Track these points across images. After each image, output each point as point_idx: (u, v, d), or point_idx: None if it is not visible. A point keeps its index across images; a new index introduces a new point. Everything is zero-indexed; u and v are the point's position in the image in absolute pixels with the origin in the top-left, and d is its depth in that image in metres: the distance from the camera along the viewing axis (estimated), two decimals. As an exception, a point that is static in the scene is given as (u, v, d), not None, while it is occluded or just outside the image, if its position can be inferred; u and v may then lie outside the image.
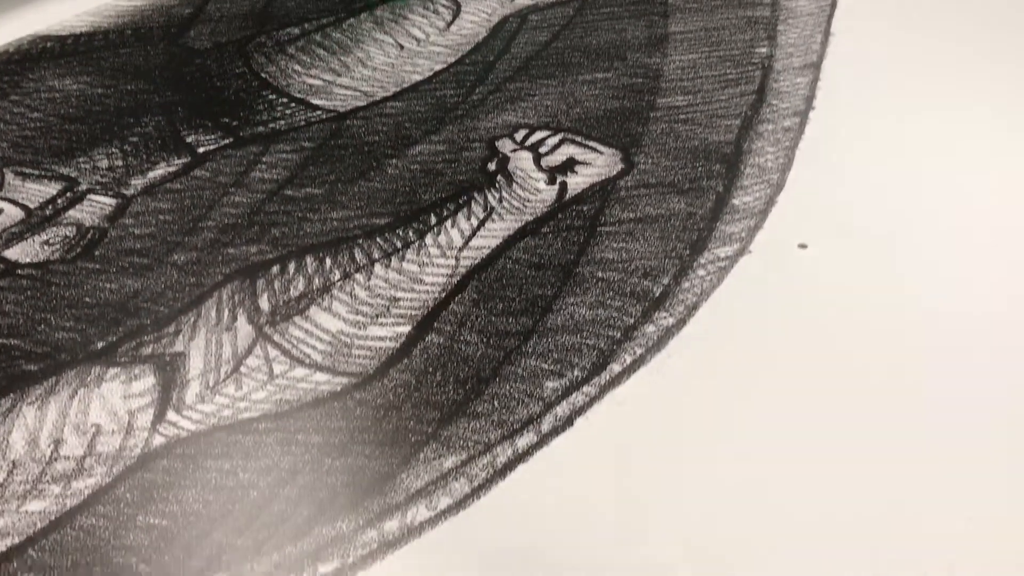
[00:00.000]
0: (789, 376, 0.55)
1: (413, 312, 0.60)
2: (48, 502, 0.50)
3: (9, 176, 0.72)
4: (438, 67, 0.82)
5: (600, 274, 0.62)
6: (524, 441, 0.53)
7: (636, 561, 0.47)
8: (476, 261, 0.64)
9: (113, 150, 0.75)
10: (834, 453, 0.51)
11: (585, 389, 0.55)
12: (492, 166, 0.72)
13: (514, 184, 0.69)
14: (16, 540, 0.48)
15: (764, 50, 0.81)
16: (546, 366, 0.57)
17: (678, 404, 0.54)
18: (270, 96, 0.79)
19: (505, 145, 0.73)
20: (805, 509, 0.48)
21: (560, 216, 0.67)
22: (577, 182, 0.70)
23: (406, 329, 0.59)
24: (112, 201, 0.69)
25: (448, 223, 0.67)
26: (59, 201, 0.70)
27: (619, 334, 0.58)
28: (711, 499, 0.49)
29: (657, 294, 0.61)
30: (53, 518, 0.49)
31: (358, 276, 0.63)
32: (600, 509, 0.49)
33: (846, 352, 0.56)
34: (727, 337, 0.57)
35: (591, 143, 0.73)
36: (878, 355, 0.55)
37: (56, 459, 0.52)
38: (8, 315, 0.61)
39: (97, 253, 0.65)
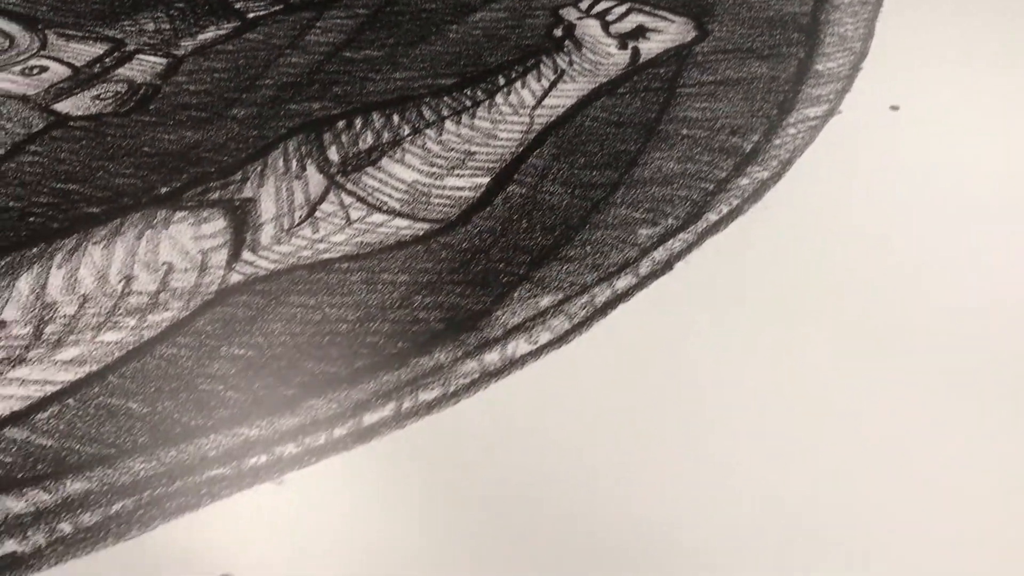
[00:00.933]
0: (890, 225, 0.53)
1: (490, 165, 0.58)
2: (124, 333, 0.47)
3: (52, 37, 0.68)
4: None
5: (685, 131, 0.60)
6: (623, 283, 0.50)
7: (736, 396, 0.45)
8: (552, 119, 0.61)
9: (159, 15, 0.71)
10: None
11: (682, 236, 0.53)
12: (558, 32, 0.69)
13: (584, 49, 0.67)
14: (94, 368, 0.46)
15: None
16: (637, 215, 0.55)
17: (777, 253, 0.52)
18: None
19: (570, 13, 0.70)
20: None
21: (636, 78, 0.64)
22: (650, 47, 0.67)
23: (485, 180, 0.57)
24: (163, 60, 0.66)
25: (518, 84, 0.64)
26: (107, 60, 0.66)
27: (712, 186, 0.56)
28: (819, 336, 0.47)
29: (748, 150, 0.58)
30: (131, 348, 0.47)
31: (429, 131, 0.60)
32: (698, 349, 0.47)
33: (939, 207, 0.54)
34: (823, 192, 0.55)
35: (660, 12, 0.70)
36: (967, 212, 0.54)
37: (128, 294, 0.49)
38: (64, 162, 0.58)
39: (152, 107, 0.62)
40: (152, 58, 0.67)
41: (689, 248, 0.53)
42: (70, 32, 0.69)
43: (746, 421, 0.43)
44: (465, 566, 0.38)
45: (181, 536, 0.39)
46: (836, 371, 0.45)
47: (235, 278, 0.51)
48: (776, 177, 0.57)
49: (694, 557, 0.38)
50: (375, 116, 0.62)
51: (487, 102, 0.63)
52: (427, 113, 0.62)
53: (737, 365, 0.46)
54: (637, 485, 0.41)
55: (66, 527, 0.39)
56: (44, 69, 0.66)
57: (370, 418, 0.44)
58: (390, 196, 0.56)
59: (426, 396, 0.45)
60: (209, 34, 0.70)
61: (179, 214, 0.54)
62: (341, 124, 0.61)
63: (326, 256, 0.52)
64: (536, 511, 0.40)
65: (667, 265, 0.52)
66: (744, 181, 0.57)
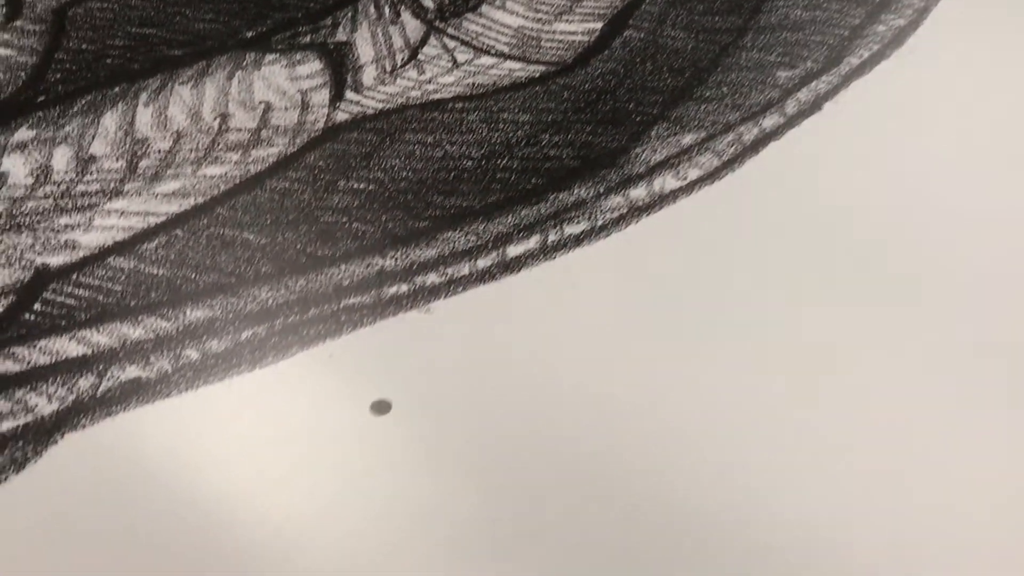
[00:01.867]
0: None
1: (601, 11, 0.53)
2: (227, 167, 0.43)
3: None
4: None
5: (809, -20, 0.55)
6: (769, 122, 0.46)
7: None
8: (663, -32, 0.56)
9: None
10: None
11: (825, 79, 0.49)
12: None
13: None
14: (199, 200, 0.41)
15: None
16: (772, 58, 0.50)
17: (924, 95, 0.48)
18: None
19: None
20: None
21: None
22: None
23: (598, 25, 0.52)
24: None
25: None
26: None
27: (847, 32, 0.52)
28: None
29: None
30: (237, 181, 0.42)
31: (530, -20, 0.55)
32: (863, 182, 0.43)
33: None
34: (965, 39, 0.51)
35: None
36: None
37: (226, 131, 0.45)
38: (136, 8, 0.53)
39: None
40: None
41: (835, 90, 0.48)
42: None
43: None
44: (632, 387, 0.34)
45: (321, 362, 0.35)
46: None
47: (341, 116, 0.46)
48: (914, 25, 0.53)
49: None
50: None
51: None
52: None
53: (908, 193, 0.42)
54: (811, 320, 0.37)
55: (192, 353, 0.35)
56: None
57: (514, 250, 0.40)
58: (496, 40, 0.51)
59: (572, 230, 0.41)
60: None
61: (269, 56, 0.50)
62: (434, -29, 0.56)
63: (436, 96, 0.48)
64: (696, 334, 0.36)
65: (815, 106, 0.47)
66: (881, 28, 0.52)
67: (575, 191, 0.43)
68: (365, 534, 0.31)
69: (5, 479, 0.31)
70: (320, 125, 0.46)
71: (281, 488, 0.31)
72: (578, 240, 0.40)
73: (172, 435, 0.33)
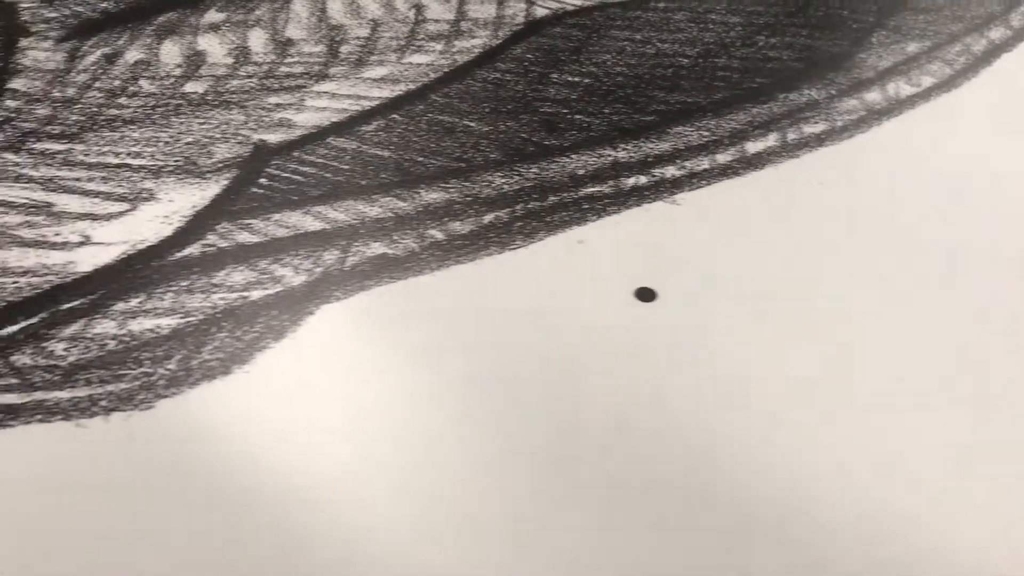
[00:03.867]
0: None
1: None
2: (433, 56, 0.41)
3: None
4: None
5: None
6: (997, 34, 0.44)
7: None
8: None
9: None
10: None
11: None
12: None
13: None
14: (410, 86, 0.40)
15: None
16: (985, -29, 0.48)
17: None
18: None
19: None
20: None
21: None
22: None
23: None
24: None
25: None
26: None
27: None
28: None
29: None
30: (447, 70, 0.41)
31: None
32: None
33: None
34: None
35: None
36: None
37: (423, 21, 0.43)
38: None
39: None
40: None
41: (1060, 3, 0.46)
42: None
43: None
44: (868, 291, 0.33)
45: (571, 248, 0.33)
46: None
47: (540, 12, 0.44)
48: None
49: None
50: None
51: None
52: None
53: None
54: None
55: (437, 234, 0.34)
56: None
57: (753, 147, 0.38)
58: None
59: (812, 129, 0.39)
60: None
61: (454, -49, 0.48)
62: None
63: (636, -4, 0.46)
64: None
65: (1041, 18, 0.45)
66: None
67: (804, 92, 0.41)
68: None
69: (264, 347, 0.30)
70: (520, 19, 0.44)
71: (552, 365, 0.30)
72: (820, 139, 0.39)
73: (427, 312, 0.31)
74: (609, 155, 0.38)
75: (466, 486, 0.27)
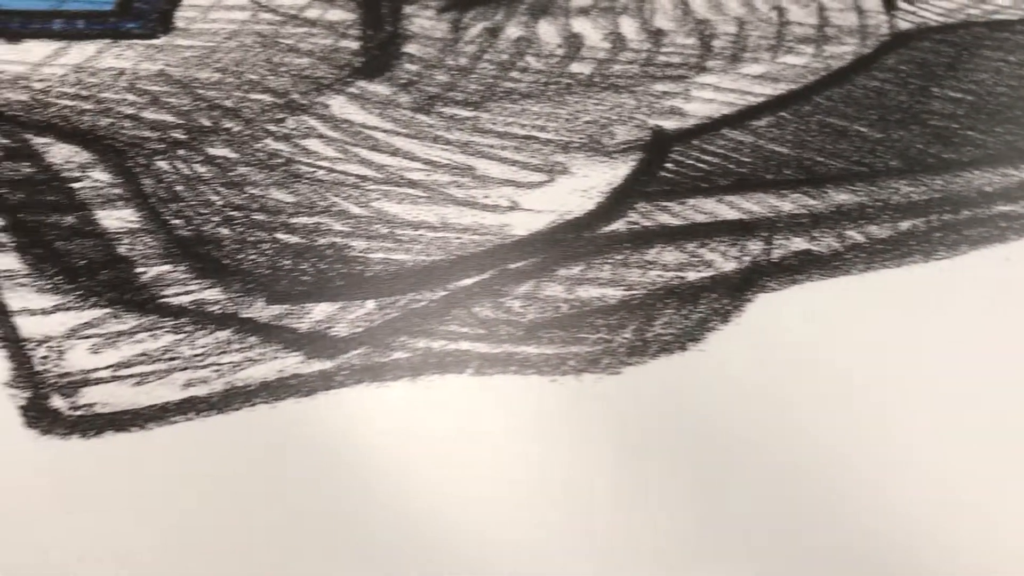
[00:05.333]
0: None
1: None
2: (806, 59, 0.42)
3: None
4: None
5: None
6: None
7: None
8: None
9: None
10: None
11: None
12: None
13: None
14: (790, 86, 0.40)
15: None
16: None
17: None
18: None
19: None
20: None
21: None
22: None
23: None
24: None
25: None
26: None
27: None
28: None
29: None
30: (823, 73, 0.41)
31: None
32: None
33: None
34: None
35: None
36: None
37: (787, 23, 0.43)
38: None
39: None
40: None
41: None
42: None
43: None
44: None
45: (996, 263, 0.33)
46: None
47: (903, 25, 0.44)
48: None
49: None
50: None
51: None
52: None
53: None
54: None
55: (856, 235, 0.34)
56: None
57: None
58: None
59: None
60: None
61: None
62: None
63: (998, 17, 0.45)
64: None
65: None
66: None
67: None
68: None
69: (713, 328, 0.30)
70: (884, 30, 0.44)
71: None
72: None
73: (864, 314, 0.31)
74: (1013, 175, 0.37)
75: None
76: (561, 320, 0.29)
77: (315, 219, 0.32)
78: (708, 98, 0.40)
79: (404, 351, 0.28)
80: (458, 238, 0.32)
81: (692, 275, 0.32)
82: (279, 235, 0.31)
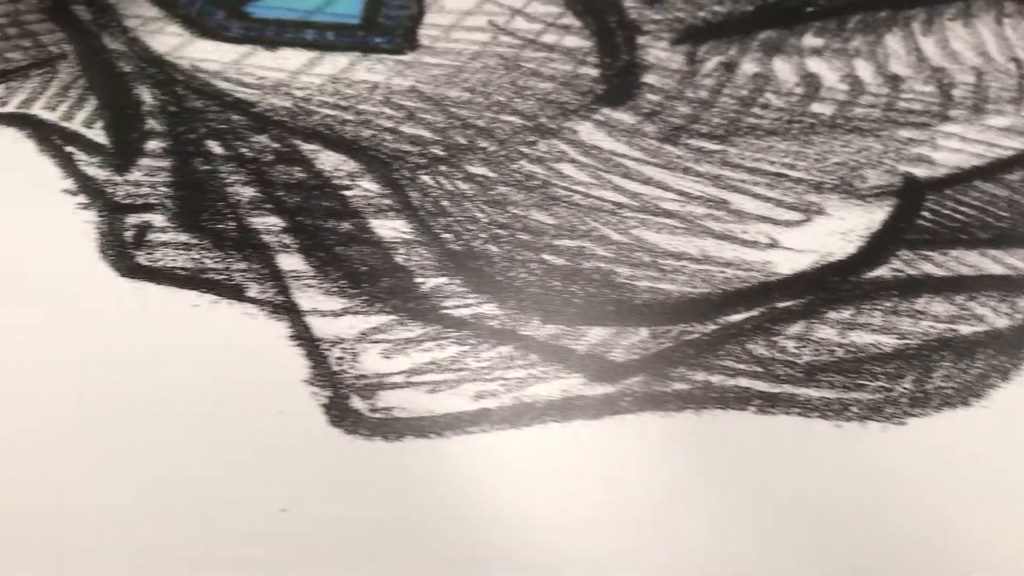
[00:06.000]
0: None
1: None
2: (1049, 114, 0.40)
3: None
4: None
5: None
6: None
7: None
8: None
9: None
10: None
11: None
12: None
13: None
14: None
15: None
16: None
17: None
18: None
19: None
20: None
21: None
22: None
23: None
24: None
25: None
26: None
27: None
28: None
29: None
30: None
31: None
32: None
33: None
34: None
35: None
36: None
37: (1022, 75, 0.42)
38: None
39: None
40: None
41: None
42: None
43: None
44: None
45: None
46: None
47: None
48: None
49: None
50: None
51: None
52: None
53: None
54: None
55: None
56: None
57: None
58: None
59: None
60: None
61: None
62: None
63: None
64: None
65: None
66: None
67: None
68: None
69: (993, 384, 0.29)
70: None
71: None
72: None
73: None
74: None
75: None
76: (839, 365, 0.29)
77: (577, 242, 0.32)
78: (955, 148, 0.39)
79: (683, 383, 0.28)
80: (722, 272, 0.32)
81: (965, 329, 0.31)
82: (545, 256, 0.31)
